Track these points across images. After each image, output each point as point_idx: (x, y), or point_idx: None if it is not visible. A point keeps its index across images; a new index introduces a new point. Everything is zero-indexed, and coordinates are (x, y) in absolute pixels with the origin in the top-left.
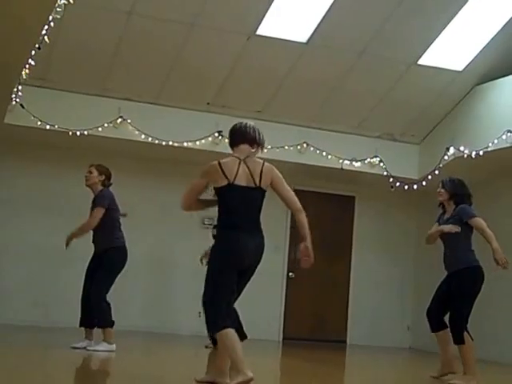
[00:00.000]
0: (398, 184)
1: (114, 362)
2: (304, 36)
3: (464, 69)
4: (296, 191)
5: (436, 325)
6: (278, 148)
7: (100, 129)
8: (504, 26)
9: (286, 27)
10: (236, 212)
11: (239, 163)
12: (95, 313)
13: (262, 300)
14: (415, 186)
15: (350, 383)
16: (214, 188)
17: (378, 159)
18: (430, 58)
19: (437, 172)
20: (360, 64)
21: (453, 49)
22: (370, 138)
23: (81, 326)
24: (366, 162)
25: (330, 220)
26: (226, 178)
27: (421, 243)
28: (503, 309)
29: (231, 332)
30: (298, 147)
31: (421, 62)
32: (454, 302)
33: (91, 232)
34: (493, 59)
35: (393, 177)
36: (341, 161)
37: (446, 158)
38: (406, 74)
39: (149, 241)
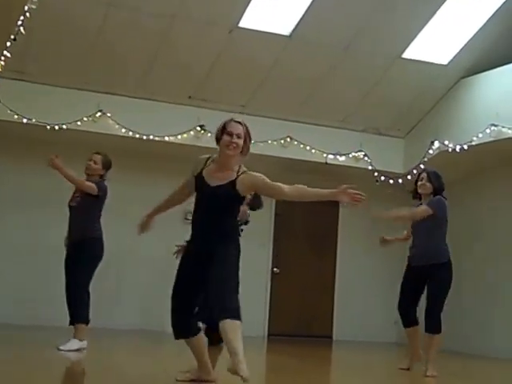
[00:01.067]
0: (382, 178)
1: (101, 361)
2: (287, 29)
3: (449, 62)
4: None
5: (408, 321)
6: (261, 142)
7: (79, 123)
8: (489, 19)
9: (268, 20)
10: None
11: None
12: (74, 306)
13: (247, 296)
14: (400, 180)
15: (335, 378)
16: (244, 197)
17: (363, 153)
18: (415, 51)
19: (422, 166)
20: (344, 57)
21: (437, 42)
22: (354, 132)
23: (71, 324)
24: (350, 156)
25: (314, 215)
26: None
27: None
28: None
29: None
30: (282, 141)
31: (405, 55)
32: (434, 294)
33: (66, 219)
34: (478, 52)
35: (378, 171)
36: (325, 155)
37: (430, 152)
38: (390, 67)
39: (129, 236)
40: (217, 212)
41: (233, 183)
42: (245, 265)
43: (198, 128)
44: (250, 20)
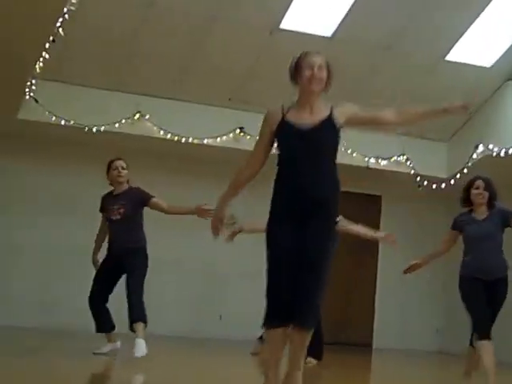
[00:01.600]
0: (425, 183)
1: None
2: (329, 30)
3: (493, 65)
4: None
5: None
6: None
7: (117, 125)
8: None
9: (310, 21)
10: None
11: None
12: (141, 309)
13: None
14: (443, 185)
15: None
16: None
17: (405, 157)
18: (458, 53)
19: (465, 171)
20: (386, 59)
21: (481, 44)
22: (396, 136)
23: (99, 331)
24: (392, 160)
25: (355, 220)
26: None
27: None
28: None
29: None
30: None
31: (448, 57)
32: (498, 308)
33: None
34: None
35: (420, 175)
36: (366, 159)
37: (474, 156)
38: (433, 69)
39: (171, 242)
40: (322, 156)
41: (331, 118)
42: None
43: (238, 130)
44: (292, 21)
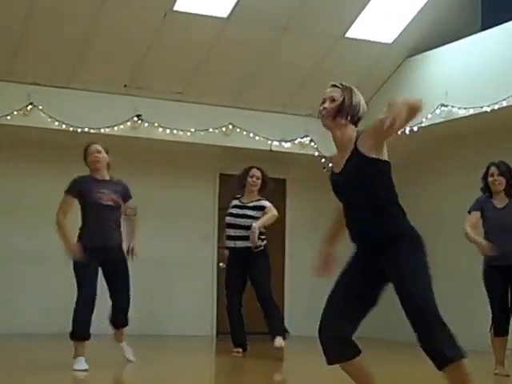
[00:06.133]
0: (330, 165)
1: None
2: (225, 11)
3: (394, 41)
4: (223, 176)
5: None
6: (202, 131)
7: (9, 117)
8: None
9: (204, 1)
10: None
11: None
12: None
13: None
14: None
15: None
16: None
17: (309, 139)
18: (358, 30)
19: None
20: (284, 38)
21: (381, 20)
22: (299, 117)
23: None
24: (296, 142)
25: None
26: None
27: None
28: None
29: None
30: (224, 129)
31: (348, 34)
32: None
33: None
34: (423, 30)
35: (325, 157)
36: (269, 142)
37: None
38: (333, 47)
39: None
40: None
41: (355, 150)
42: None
43: (135, 118)
44: (185, 2)
